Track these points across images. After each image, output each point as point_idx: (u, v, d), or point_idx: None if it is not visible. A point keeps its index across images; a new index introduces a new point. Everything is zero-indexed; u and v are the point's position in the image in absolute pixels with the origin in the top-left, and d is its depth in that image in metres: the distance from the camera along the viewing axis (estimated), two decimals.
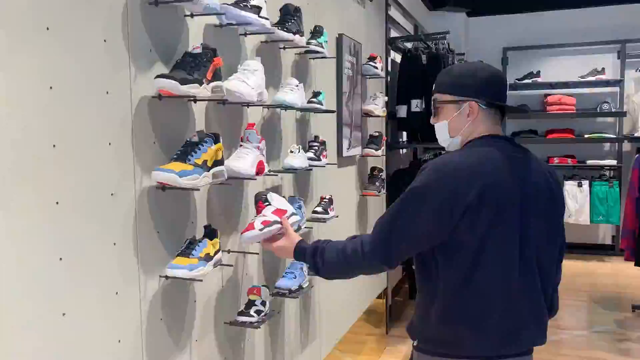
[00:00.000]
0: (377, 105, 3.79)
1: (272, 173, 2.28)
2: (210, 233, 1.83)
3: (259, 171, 2.07)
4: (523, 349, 1.55)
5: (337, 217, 2.91)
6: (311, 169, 2.57)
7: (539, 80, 7.59)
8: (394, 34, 4.99)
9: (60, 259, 1.34)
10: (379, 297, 4.68)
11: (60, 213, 1.33)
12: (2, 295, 1.19)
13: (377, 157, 4.03)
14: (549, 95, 7.53)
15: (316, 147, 2.75)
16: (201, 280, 1.69)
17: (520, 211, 1.50)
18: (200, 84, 1.67)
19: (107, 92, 1.50)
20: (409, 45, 5.01)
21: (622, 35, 7.35)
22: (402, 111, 4.74)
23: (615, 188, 7.17)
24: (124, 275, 1.55)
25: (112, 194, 1.50)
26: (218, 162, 1.78)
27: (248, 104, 2.12)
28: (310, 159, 2.64)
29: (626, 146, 7.41)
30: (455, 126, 1.60)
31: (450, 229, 1.46)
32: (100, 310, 1.46)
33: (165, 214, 1.73)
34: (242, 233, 1.86)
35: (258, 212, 2.01)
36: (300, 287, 2.49)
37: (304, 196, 2.82)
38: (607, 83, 7.45)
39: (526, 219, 1.51)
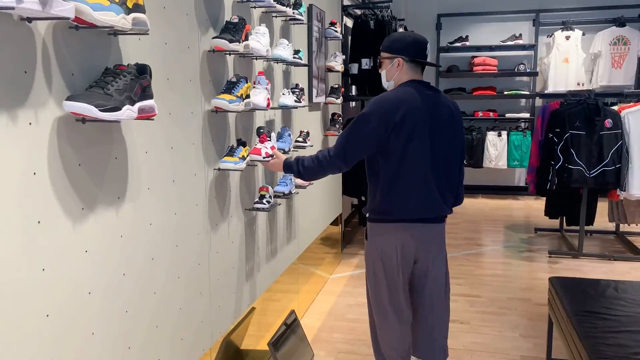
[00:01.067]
0: (337, 62, 4.72)
1: (272, 108, 3.19)
2: (242, 143, 2.74)
3: (268, 105, 2.98)
4: (432, 215, 2.36)
5: (312, 146, 3.85)
6: (296, 107, 3.50)
7: (467, 43, 8.69)
8: (347, 2, 5.88)
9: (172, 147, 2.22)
10: (334, 223, 5.70)
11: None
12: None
13: (337, 105, 4.97)
14: (476, 57, 8.66)
15: (297, 92, 3.66)
16: (242, 170, 2.60)
17: (429, 128, 2.28)
18: (239, 42, 2.55)
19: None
20: (359, 12, 5.93)
21: (537, 5, 8.52)
22: (354, 69, 5.69)
23: (528, 137, 8.46)
24: (197, 165, 2.45)
25: (191, 112, 2.39)
26: (247, 96, 2.68)
27: (257, 57, 3.01)
28: (295, 101, 3.56)
29: (538, 101, 8.68)
30: (389, 74, 2.41)
31: (385, 139, 2.23)
32: (182, 187, 2.36)
33: (214, 129, 2.62)
34: (250, 152, 2.80)
35: (261, 140, 2.94)
36: (290, 192, 3.45)
37: (287, 126, 3.74)
38: (523, 47, 8.65)
39: (434, 133, 2.30)
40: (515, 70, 8.78)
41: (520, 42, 8.75)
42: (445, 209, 2.39)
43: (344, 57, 4.91)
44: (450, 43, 8.92)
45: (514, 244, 6.20)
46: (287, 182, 3.43)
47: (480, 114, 8.74)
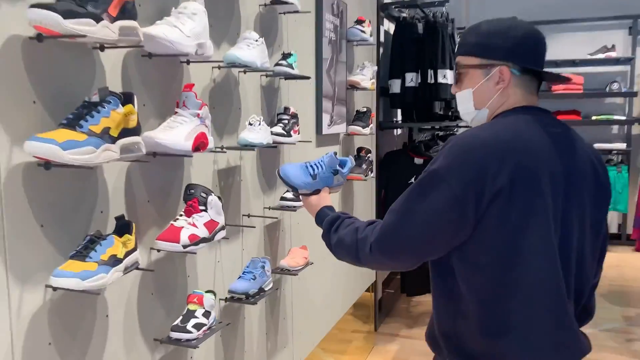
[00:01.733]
0: (365, 76, 3.31)
1: (220, 150, 1.81)
2: (121, 227, 1.37)
3: (200, 146, 1.60)
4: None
5: None
6: (276, 146, 2.10)
7: (546, 57, 7.10)
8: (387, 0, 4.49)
9: None
10: (368, 290, 4.26)
11: None
12: None
13: (365, 137, 3.56)
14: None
15: (286, 121, 2.27)
16: (98, 294, 1.22)
17: (563, 196, 1.22)
18: (97, 20, 1.19)
19: None
20: (404, 13, 4.51)
21: (634, 9, 6.85)
22: (395, 86, 4.26)
23: (624, 173, 6.73)
24: None
25: None
26: (129, 132, 1.31)
27: (188, 60, 1.65)
28: (276, 134, 2.17)
29: (636, 129, 6.97)
30: (481, 96, 1.32)
31: (477, 219, 1.17)
32: None
33: (55, 202, 1.27)
34: (158, 238, 1.45)
35: (188, 212, 1.57)
36: (261, 289, 2.04)
37: (270, 180, 2.35)
38: (617, 61, 6.98)
39: (568, 207, 1.23)
40: (607, 89, 7.08)
41: (612, 55, 7.06)
42: (587, 343, 1.32)
43: (375, 69, 3.49)
44: None
45: (615, 325, 4.49)
46: (255, 272, 2.02)
47: None
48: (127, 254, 1.34)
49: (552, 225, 1.19)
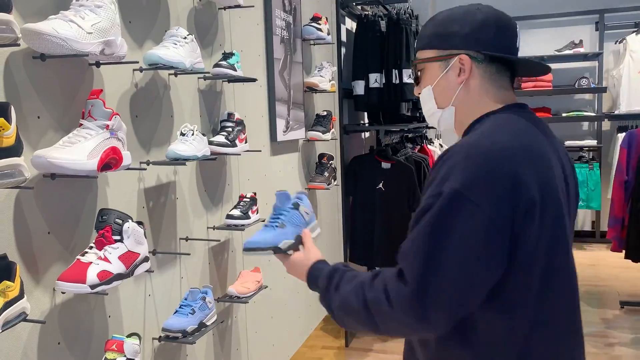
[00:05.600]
0: (324, 78, 3.07)
1: (140, 167, 1.55)
2: (1, 271, 1.09)
3: (111, 163, 1.33)
4: None
5: (262, 221, 2.19)
6: (215, 158, 1.84)
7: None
8: None
9: None
10: None
11: None
12: None
13: (327, 142, 3.32)
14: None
15: (229, 128, 2.02)
16: None
17: (566, 203, 1.04)
18: None
19: None
20: (366, 11, 4.29)
21: (600, 4, 6.79)
22: (359, 88, 4.03)
23: (596, 170, 6.64)
24: None
25: None
26: (2, 152, 1.04)
27: (98, 62, 1.38)
28: (217, 143, 1.91)
29: (606, 125, 6.89)
30: (443, 91, 1.12)
31: (514, 244, 0.92)
32: None
33: None
34: (59, 278, 1.19)
35: (100, 243, 1.31)
36: (202, 324, 1.77)
37: (214, 196, 2.09)
38: (585, 57, 6.89)
39: (569, 220, 1.05)
40: (576, 86, 7.02)
41: (580, 50, 7.00)
42: None
43: (334, 69, 3.26)
44: None
45: (592, 328, 4.34)
46: (194, 305, 1.75)
47: None
48: (7, 304, 1.07)
49: (569, 241, 1.02)
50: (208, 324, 1.80)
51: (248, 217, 2.07)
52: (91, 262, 1.31)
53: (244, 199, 2.11)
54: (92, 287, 1.28)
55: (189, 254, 1.69)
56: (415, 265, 0.91)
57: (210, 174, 2.06)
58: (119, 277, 1.36)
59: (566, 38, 7.01)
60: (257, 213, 2.15)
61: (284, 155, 2.79)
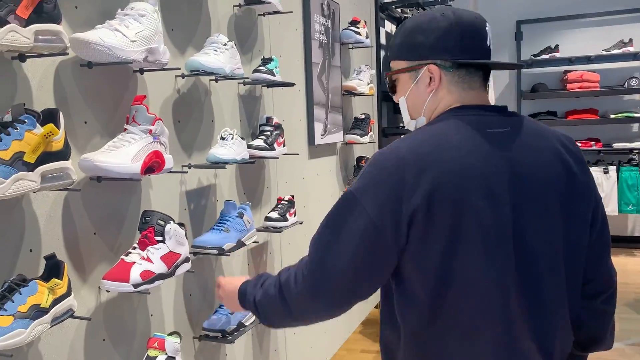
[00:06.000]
0: (362, 81, 3.08)
1: (182, 170, 1.59)
2: (50, 269, 1.15)
3: (154, 167, 1.38)
4: None
5: (300, 223, 2.21)
6: (254, 162, 1.87)
7: (558, 55, 6.80)
8: None
9: None
10: (377, 306, 4.04)
11: None
12: None
13: (365, 145, 3.32)
14: (569, 72, 6.75)
15: (268, 132, 2.05)
16: (10, 356, 1.00)
17: (512, 208, 1.01)
18: (2, 23, 0.98)
19: None
20: (406, 14, 4.27)
21: None
22: None
23: None
24: None
25: None
26: (51, 156, 1.09)
27: (141, 69, 1.43)
28: (256, 147, 1.95)
29: None
30: (415, 102, 1.14)
31: (401, 245, 1.00)
32: None
33: None
34: (104, 277, 1.24)
35: (143, 243, 1.35)
36: (241, 325, 1.81)
37: (253, 199, 2.12)
38: (634, 56, 6.65)
39: (524, 219, 1.02)
40: (625, 86, 6.78)
41: (630, 49, 6.77)
42: None
43: (373, 72, 3.26)
44: (535, 55, 7.05)
45: None
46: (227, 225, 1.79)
47: (579, 144, 6.74)
48: (56, 301, 1.12)
49: (492, 246, 0.99)
50: (247, 324, 1.83)
51: (286, 220, 2.09)
52: (134, 262, 1.36)
53: (282, 202, 2.14)
54: (135, 286, 1.32)
55: (228, 255, 1.72)
56: (313, 252, 1.05)
57: (249, 177, 2.10)
58: (161, 276, 1.41)
59: (615, 37, 6.78)
60: (295, 215, 2.17)
61: (322, 158, 2.81)
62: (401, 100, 1.15)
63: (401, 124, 4.72)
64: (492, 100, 5.61)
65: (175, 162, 1.66)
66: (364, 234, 0.99)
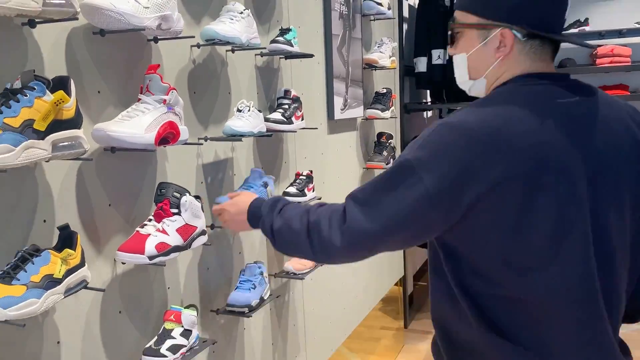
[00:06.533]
0: (384, 54, 3.00)
1: (198, 142, 1.56)
2: (63, 240, 1.13)
3: (168, 138, 1.35)
4: None
5: (319, 199, 2.18)
6: (270, 135, 1.84)
7: (587, 29, 6.58)
8: None
9: None
10: (397, 284, 4.00)
11: None
12: None
13: (387, 121, 3.26)
14: (599, 46, 6.53)
15: (286, 106, 2.01)
16: (23, 325, 0.99)
17: (586, 182, 0.96)
18: None
19: None
20: None
21: None
22: (421, 64, 3.92)
23: None
24: None
25: None
26: (63, 124, 1.07)
27: (156, 37, 1.40)
28: (273, 120, 1.91)
29: None
30: (477, 63, 1.07)
31: (459, 220, 0.96)
32: None
33: None
34: (119, 249, 1.23)
35: (158, 215, 1.34)
36: (261, 299, 1.79)
37: (271, 173, 2.09)
38: None
39: (598, 195, 0.97)
40: None
41: None
42: None
43: (395, 45, 3.18)
44: (564, 29, 6.80)
45: None
46: (253, 280, 1.78)
47: None
48: (69, 272, 1.11)
49: (569, 223, 0.94)
50: (265, 297, 1.81)
51: (304, 195, 2.06)
52: (150, 234, 1.34)
53: (300, 177, 2.11)
54: (151, 258, 1.31)
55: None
56: (352, 206, 1.01)
57: (267, 151, 2.06)
58: (177, 249, 1.39)
59: None
60: (314, 191, 2.14)
61: (342, 133, 2.76)
62: (460, 57, 1.09)
63: (424, 100, 4.63)
64: None
65: (191, 134, 1.63)
66: (415, 204, 0.95)
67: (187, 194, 1.43)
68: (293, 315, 2.25)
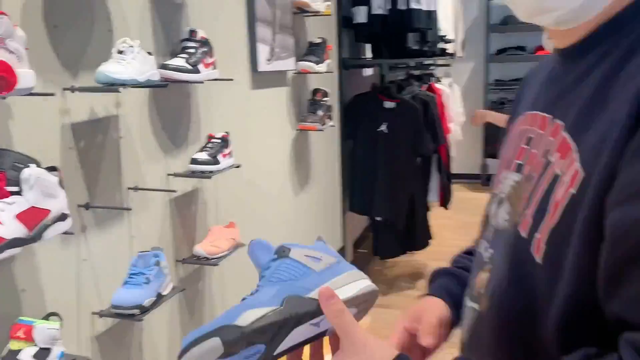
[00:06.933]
0: None
1: (48, 93, 1.14)
2: None
3: None
4: None
5: (237, 167, 1.80)
6: (166, 85, 1.42)
7: None
8: None
9: None
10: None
11: None
12: None
13: (322, 76, 2.88)
14: None
15: (192, 49, 1.59)
16: None
17: None
18: None
19: None
20: None
21: None
22: (360, 14, 3.54)
23: None
24: None
25: None
26: None
27: None
28: (175, 68, 1.50)
29: None
30: None
31: None
32: None
33: None
34: None
35: None
36: (159, 296, 1.42)
37: (176, 136, 1.69)
38: None
39: None
40: None
41: None
42: None
43: None
44: None
45: None
46: (147, 272, 1.40)
47: None
48: None
49: None
50: (164, 293, 1.44)
51: (217, 162, 1.67)
52: None
53: (213, 140, 1.72)
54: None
55: (129, 209, 1.31)
56: None
57: (169, 107, 1.65)
58: (17, 242, 0.98)
59: None
60: (230, 157, 1.76)
61: (269, 89, 2.37)
62: None
63: (363, 56, 4.27)
64: (457, 99, 5.05)
65: (53, 82, 1.20)
66: None
67: (32, 166, 1.02)
68: (210, 307, 1.89)
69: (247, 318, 0.51)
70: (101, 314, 1.35)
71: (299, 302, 0.53)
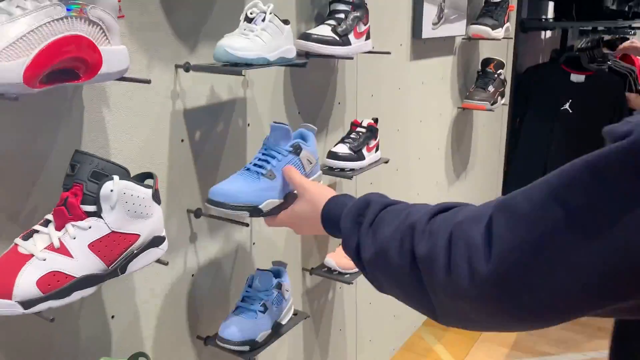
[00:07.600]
0: None
1: (143, 79, 0.88)
2: None
3: (67, 68, 0.68)
4: None
5: (386, 162, 1.45)
6: (303, 65, 1.09)
7: None
8: None
9: None
10: None
11: None
12: None
13: (497, 43, 2.38)
14: None
15: (342, 14, 1.25)
16: None
17: None
18: None
19: None
20: None
21: None
22: None
23: None
24: None
25: None
26: None
27: None
28: (318, 39, 1.17)
29: None
30: None
31: None
32: None
33: None
34: None
35: (59, 216, 0.71)
36: (278, 326, 1.15)
37: (315, 121, 1.38)
38: None
39: None
40: None
41: None
42: None
43: None
44: None
45: None
46: (265, 297, 1.13)
47: None
48: None
49: None
50: (283, 322, 1.17)
51: (361, 158, 1.34)
52: (32, 256, 0.70)
53: (359, 129, 1.37)
54: (25, 304, 0.68)
55: (247, 225, 1.04)
56: (524, 230, 0.50)
57: (307, 86, 1.34)
58: (92, 280, 0.75)
59: None
60: (377, 150, 1.41)
61: (431, 59, 1.95)
62: None
63: (544, 16, 3.60)
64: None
65: (164, 60, 0.94)
66: None
67: (116, 178, 0.76)
68: (340, 317, 1.61)
69: (269, 204, 0.91)
70: (205, 342, 1.12)
71: (290, 197, 0.92)
